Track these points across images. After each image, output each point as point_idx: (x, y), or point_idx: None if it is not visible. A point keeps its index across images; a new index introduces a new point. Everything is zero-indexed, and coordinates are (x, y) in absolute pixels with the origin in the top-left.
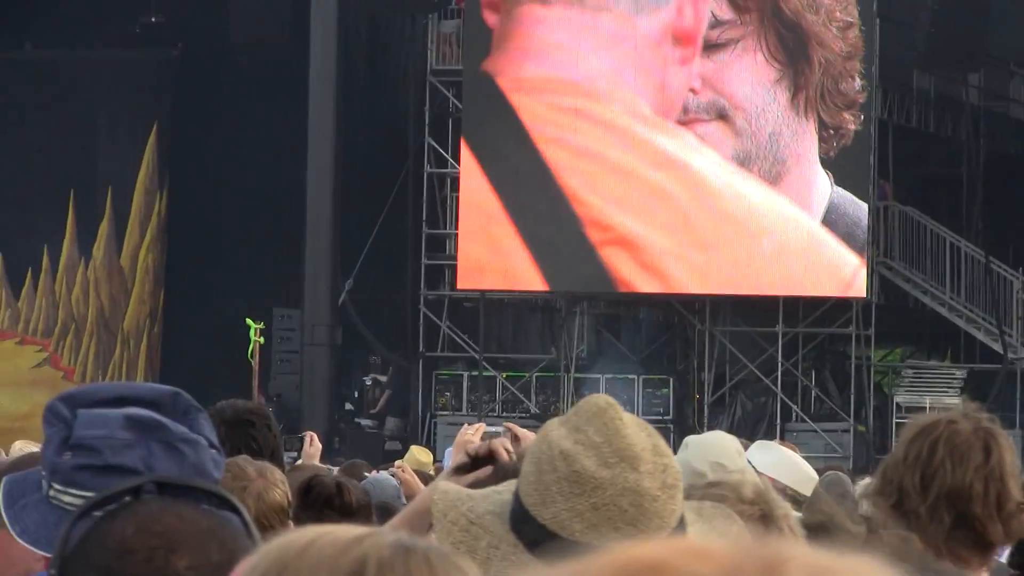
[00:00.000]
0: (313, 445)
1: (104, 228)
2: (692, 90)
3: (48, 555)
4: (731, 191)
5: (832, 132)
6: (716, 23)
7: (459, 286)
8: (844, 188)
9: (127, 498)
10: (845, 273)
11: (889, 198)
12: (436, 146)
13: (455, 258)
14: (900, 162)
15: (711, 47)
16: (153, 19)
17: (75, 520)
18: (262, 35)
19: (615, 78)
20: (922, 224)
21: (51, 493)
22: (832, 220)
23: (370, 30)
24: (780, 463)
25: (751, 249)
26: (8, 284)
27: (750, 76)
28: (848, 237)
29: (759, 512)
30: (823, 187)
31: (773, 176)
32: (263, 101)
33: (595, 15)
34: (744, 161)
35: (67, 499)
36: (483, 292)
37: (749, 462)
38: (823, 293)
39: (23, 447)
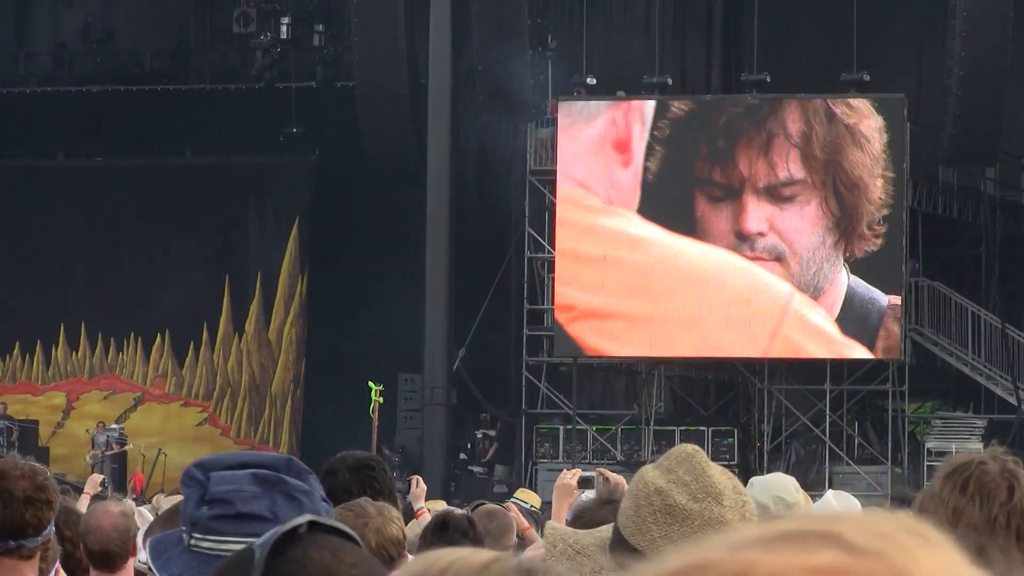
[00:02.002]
0: (419, 487)
1: (254, 307)
2: (760, 233)
3: None
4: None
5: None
6: (790, 180)
7: (555, 354)
8: (879, 268)
9: (300, 529)
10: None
11: (919, 275)
12: (535, 234)
13: (552, 330)
14: (928, 244)
15: (783, 199)
16: (294, 129)
17: (263, 547)
18: (387, 142)
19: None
20: (948, 296)
21: (191, 542)
22: (847, 313)
23: (478, 136)
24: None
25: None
26: (174, 355)
27: (808, 226)
28: (862, 322)
29: None
30: (841, 286)
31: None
32: (388, 198)
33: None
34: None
35: (206, 544)
36: (575, 358)
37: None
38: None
39: (165, 501)
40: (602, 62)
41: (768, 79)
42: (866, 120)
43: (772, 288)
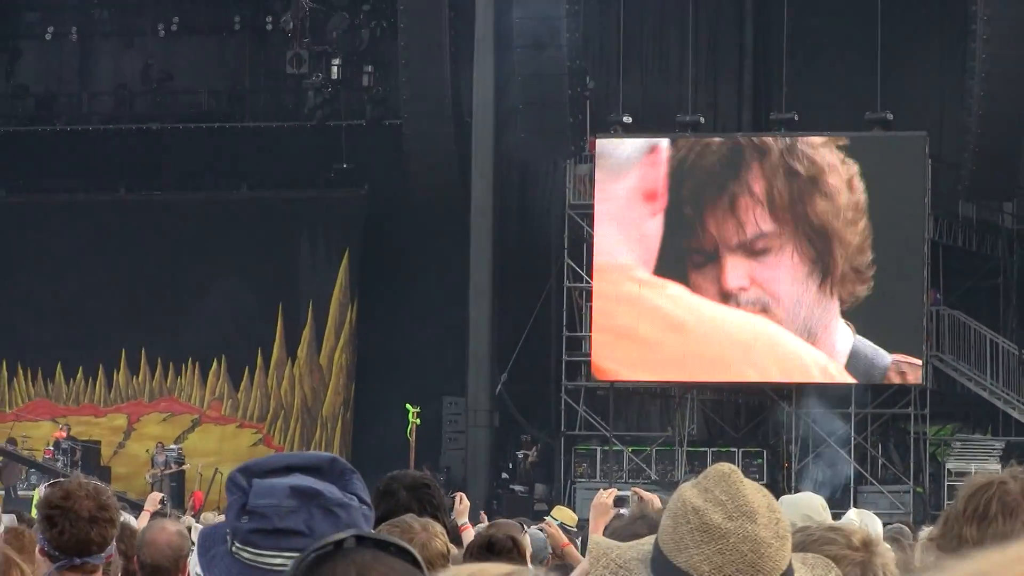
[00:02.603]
0: (463, 503)
1: (306, 334)
2: (742, 288)
3: None
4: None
5: (850, 297)
6: (760, 234)
7: (592, 378)
8: (903, 301)
9: (331, 547)
10: None
11: (940, 304)
12: (573, 265)
13: (590, 355)
14: (948, 275)
15: (757, 252)
16: (345, 165)
17: (297, 565)
18: (432, 178)
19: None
20: (967, 325)
21: (233, 549)
22: (853, 364)
23: (520, 172)
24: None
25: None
26: (230, 379)
27: (788, 275)
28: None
29: (860, 558)
30: (844, 340)
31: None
32: (433, 230)
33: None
34: None
35: (245, 555)
36: (612, 382)
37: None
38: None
39: (213, 518)
40: (637, 102)
41: (796, 118)
42: (834, 171)
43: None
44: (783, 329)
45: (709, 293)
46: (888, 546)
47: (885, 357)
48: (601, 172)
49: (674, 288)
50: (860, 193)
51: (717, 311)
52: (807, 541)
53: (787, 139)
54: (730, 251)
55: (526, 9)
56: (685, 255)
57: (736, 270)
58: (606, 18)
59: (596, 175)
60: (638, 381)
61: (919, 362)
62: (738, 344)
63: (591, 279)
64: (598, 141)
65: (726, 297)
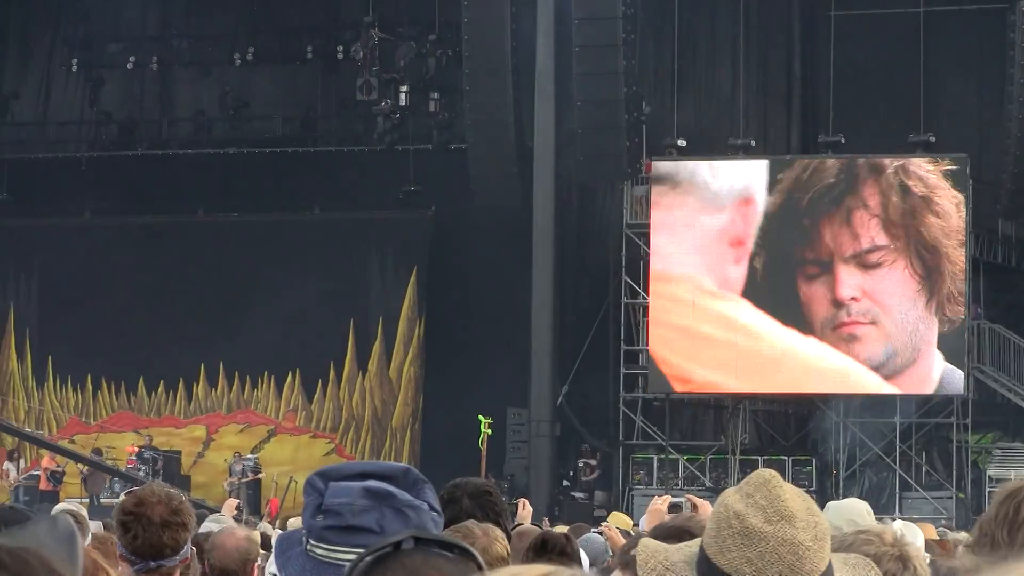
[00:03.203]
0: (525, 509)
1: (376, 348)
2: (854, 299)
3: None
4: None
5: (948, 319)
6: (874, 247)
7: (649, 390)
8: (946, 313)
9: (390, 549)
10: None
11: (981, 318)
12: (631, 282)
13: (647, 369)
14: (989, 290)
15: (870, 265)
16: (412, 187)
17: (353, 567)
18: (496, 199)
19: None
20: (1007, 338)
21: (308, 547)
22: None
23: (579, 193)
24: (908, 533)
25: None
26: (304, 392)
27: (898, 289)
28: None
29: (896, 552)
30: (938, 365)
31: (908, 363)
32: (497, 249)
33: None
34: (891, 355)
35: (319, 552)
36: (668, 394)
37: None
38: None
39: (296, 522)
40: (691, 126)
41: (843, 140)
42: (942, 191)
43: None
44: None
45: (821, 304)
46: (919, 546)
47: (959, 378)
48: (657, 192)
49: (743, 305)
50: (963, 219)
51: (783, 334)
52: (842, 546)
53: (900, 160)
54: (844, 261)
55: (585, 38)
56: (796, 266)
57: (849, 280)
58: (661, 47)
59: (652, 195)
60: (693, 392)
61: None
62: (789, 362)
63: (647, 295)
64: (654, 163)
65: (838, 306)
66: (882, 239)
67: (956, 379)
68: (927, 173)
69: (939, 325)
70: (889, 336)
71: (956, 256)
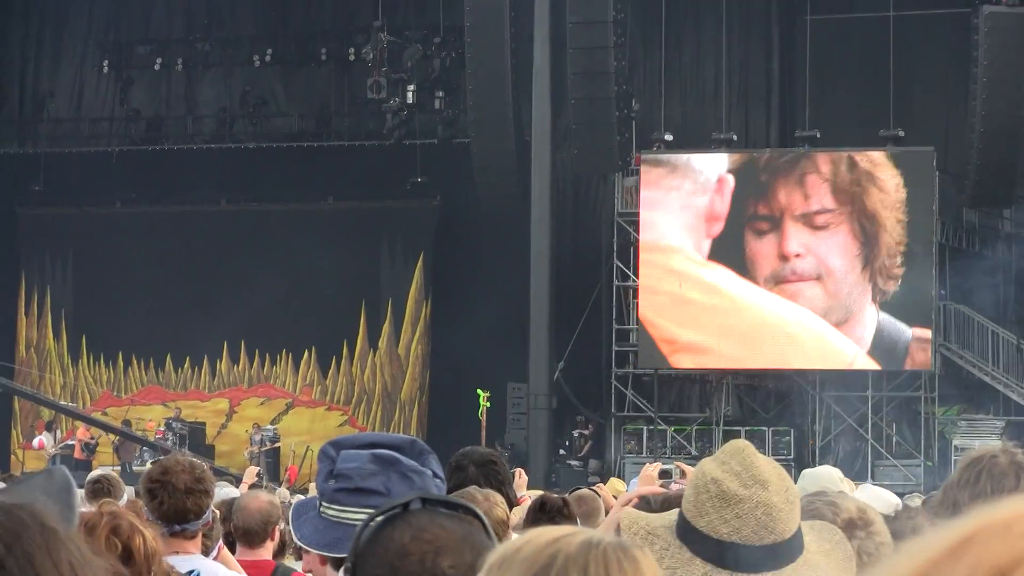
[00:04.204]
0: (522, 478)
1: (386, 327)
2: (798, 255)
3: (318, 551)
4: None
5: (881, 291)
6: (823, 210)
7: (639, 365)
8: (914, 297)
9: (399, 510)
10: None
11: (947, 299)
12: (622, 266)
13: (637, 346)
14: (955, 274)
15: (817, 227)
16: (419, 179)
17: (364, 527)
18: (497, 190)
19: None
20: (971, 317)
21: (321, 509)
22: (878, 341)
23: (573, 184)
24: (871, 496)
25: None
26: (320, 368)
27: (840, 250)
28: (890, 352)
29: (857, 516)
30: (872, 321)
31: (842, 321)
32: (498, 236)
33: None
34: (826, 312)
35: (331, 512)
36: (656, 369)
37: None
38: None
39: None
40: (678, 122)
41: (818, 135)
42: (886, 170)
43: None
44: (815, 316)
45: (768, 259)
46: (879, 523)
47: (906, 331)
48: (646, 183)
49: (720, 271)
50: (903, 197)
51: (757, 294)
52: (806, 508)
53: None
54: (793, 220)
55: (578, 41)
56: (747, 222)
57: (796, 238)
58: (649, 49)
59: (641, 186)
60: (680, 368)
61: (929, 333)
62: (771, 333)
63: (637, 278)
64: (643, 156)
65: (784, 260)
66: (830, 203)
67: (894, 331)
68: (874, 154)
69: (871, 292)
70: (828, 292)
71: (894, 229)
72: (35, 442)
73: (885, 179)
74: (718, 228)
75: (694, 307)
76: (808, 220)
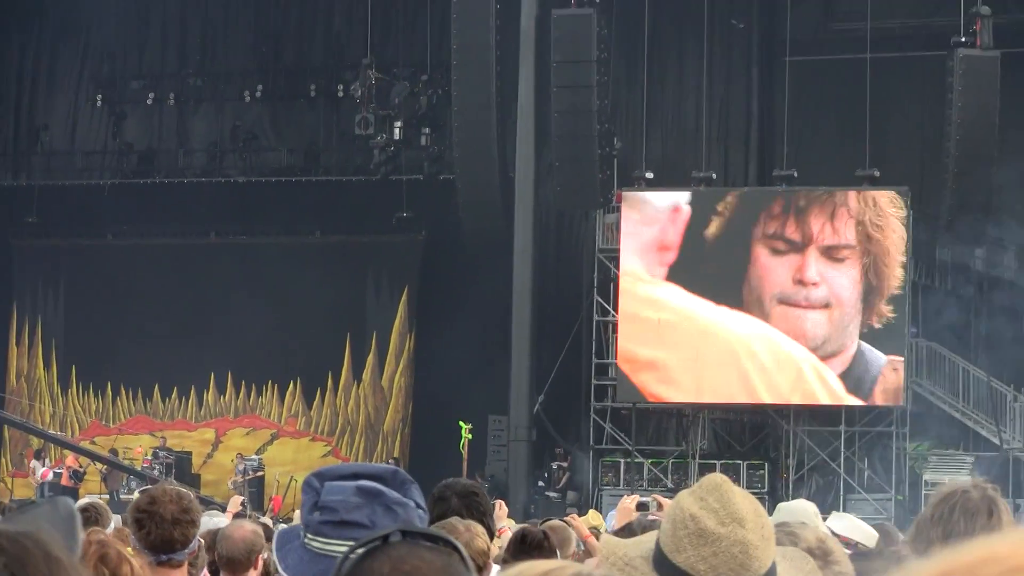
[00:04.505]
0: (502, 509)
1: (370, 360)
2: (814, 283)
3: None
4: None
5: (868, 325)
6: (845, 244)
7: (618, 399)
8: (888, 332)
9: (379, 542)
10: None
11: (919, 336)
12: (602, 302)
13: (615, 380)
14: (927, 311)
15: (835, 259)
16: (405, 214)
17: (344, 559)
18: (481, 225)
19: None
20: (943, 355)
21: (306, 540)
22: (854, 366)
23: (556, 220)
24: (851, 526)
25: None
26: (304, 399)
27: (850, 284)
28: (861, 380)
29: (819, 547)
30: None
31: (834, 353)
32: (481, 270)
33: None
34: (824, 341)
35: (316, 544)
36: (634, 403)
37: (827, 526)
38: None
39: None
40: (658, 159)
41: (795, 174)
42: (896, 212)
43: (793, 351)
44: (800, 346)
45: (781, 278)
46: (838, 553)
47: (881, 358)
48: (627, 220)
49: (692, 301)
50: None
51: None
52: None
53: (849, 192)
54: (817, 249)
55: (562, 80)
56: (760, 239)
57: (816, 266)
58: (632, 88)
59: (622, 223)
60: (657, 402)
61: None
62: (746, 366)
63: (616, 313)
64: (624, 194)
65: (800, 284)
66: (852, 238)
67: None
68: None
69: (860, 329)
70: (832, 322)
71: (896, 273)
72: (39, 472)
73: (893, 222)
74: (670, 260)
75: (674, 332)
76: (830, 252)
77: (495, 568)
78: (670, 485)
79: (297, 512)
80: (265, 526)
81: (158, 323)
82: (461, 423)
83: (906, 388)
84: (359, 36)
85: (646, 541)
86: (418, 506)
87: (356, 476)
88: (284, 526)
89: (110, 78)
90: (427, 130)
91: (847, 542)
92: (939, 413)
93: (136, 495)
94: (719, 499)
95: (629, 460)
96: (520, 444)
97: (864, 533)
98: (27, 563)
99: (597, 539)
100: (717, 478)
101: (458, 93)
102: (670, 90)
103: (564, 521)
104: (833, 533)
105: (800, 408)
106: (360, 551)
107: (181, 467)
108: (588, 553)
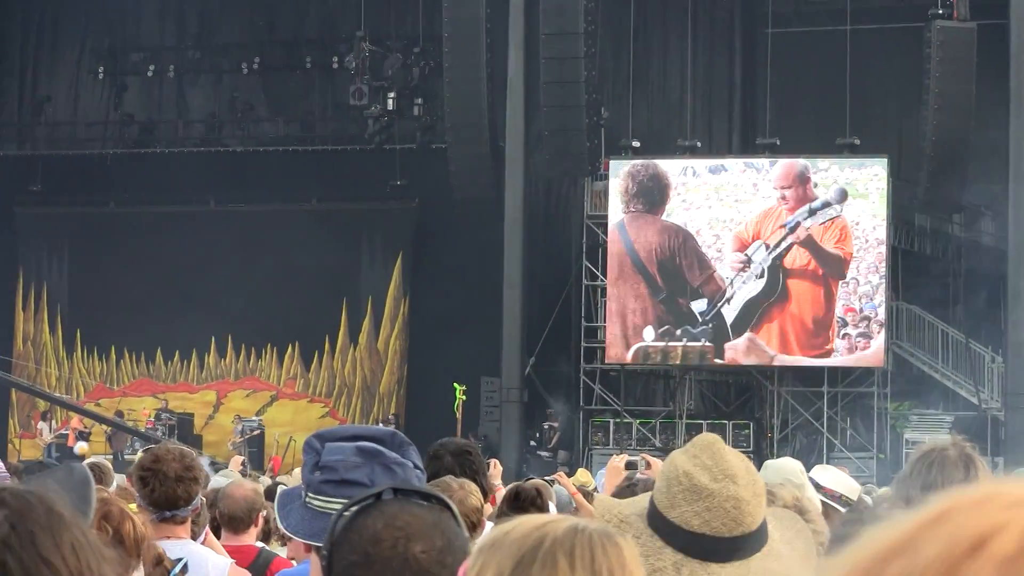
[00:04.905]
0: (496, 468)
1: (366, 323)
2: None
3: (304, 541)
4: None
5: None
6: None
7: (607, 360)
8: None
9: (372, 500)
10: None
11: (899, 299)
12: (591, 266)
13: (604, 342)
14: (907, 275)
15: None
16: (399, 182)
17: (338, 516)
18: (472, 192)
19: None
20: (922, 317)
21: (306, 500)
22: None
23: (545, 188)
24: (835, 479)
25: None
26: (303, 362)
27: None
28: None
29: (795, 505)
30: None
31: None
32: (473, 236)
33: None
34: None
35: (316, 503)
36: (623, 364)
37: (812, 478)
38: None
39: (297, 474)
40: (644, 129)
41: (778, 143)
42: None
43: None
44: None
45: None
46: (814, 512)
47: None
48: (613, 187)
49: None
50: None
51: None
52: None
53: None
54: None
55: (551, 51)
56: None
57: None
58: (618, 59)
59: (609, 189)
60: (645, 364)
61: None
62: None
63: (606, 278)
64: (611, 162)
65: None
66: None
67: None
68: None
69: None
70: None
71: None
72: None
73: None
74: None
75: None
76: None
77: (488, 525)
78: (658, 444)
79: (296, 471)
80: (267, 487)
81: (160, 288)
82: (455, 385)
83: (887, 350)
84: (353, 9)
85: (640, 500)
86: (416, 466)
87: (356, 438)
88: (282, 483)
89: (111, 51)
90: (419, 101)
91: (831, 493)
92: (919, 374)
93: (140, 455)
94: (712, 456)
95: (618, 420)
96: (512, 405)
97: (847, 485)
98: (27, 515)
99: (586, 497)
100: (709, 437)
101: (449, 65)
102: (655, 62)
103: (551, 479)
104: (817, 485)
105: (784, 369)
106: (354, 508)
107: (183, 428)
108: (577, 511)
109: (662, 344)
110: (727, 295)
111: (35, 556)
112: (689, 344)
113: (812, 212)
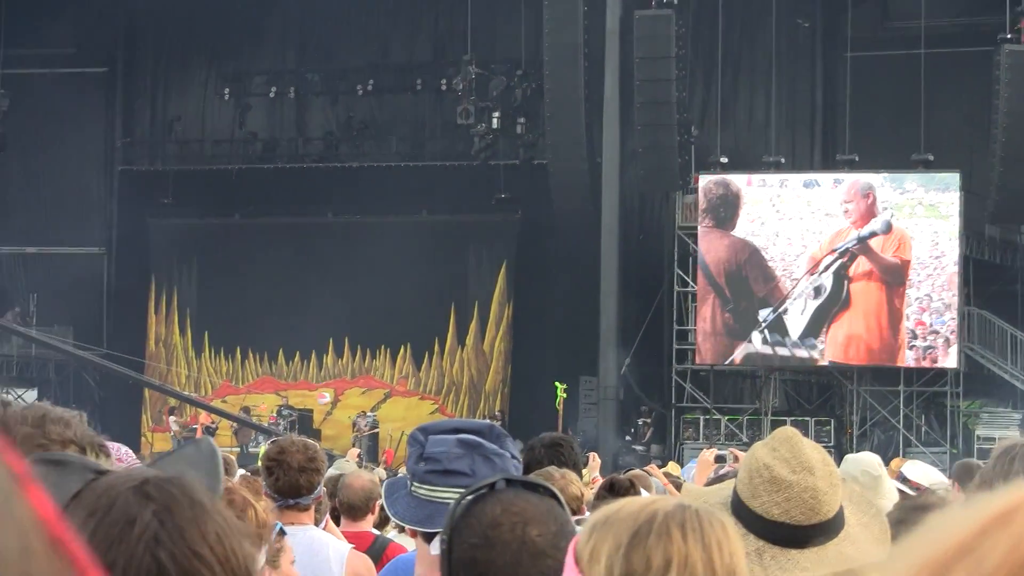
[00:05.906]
0: (595, 461)
1: (473, 326)
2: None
3: (413, 527)
4: None
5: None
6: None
7: (697, 362)
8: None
9: (487, 489)
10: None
11: (971, 304)
12: (682, 274)
13: (695, 344)
14: (977, 283)
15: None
16: (503, 196)
17: (456, 504)
18: (571, 205)
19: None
20: (992, 322)
21: (412, 489)
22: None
23: (640, 201)
24: (923, 472)
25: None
26: (414, 362)
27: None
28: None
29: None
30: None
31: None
32: (572, 246)
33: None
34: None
35: (422, 492)
36: (712, 365)
37: (902, 472)
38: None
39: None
40: (732, 146)
41: (856, 159)
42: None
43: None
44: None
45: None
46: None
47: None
48: (704, 200)
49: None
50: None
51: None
52: None
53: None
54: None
55: (644, 74)
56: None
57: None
58: (708, 81)
59: (699, 202)
60: (733, 364)
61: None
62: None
63: (696, 284)
64: (700, 176)
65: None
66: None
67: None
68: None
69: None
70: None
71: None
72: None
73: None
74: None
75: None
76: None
77: (587, 513)
78: (745, 439)
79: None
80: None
81: (281, 293)
82: (557, 383)
83: (960, 352)
84: (460, 36)
85: (723, 489)
86: (513, 456)
87: (457, 431)
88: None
89: (236, 74)
90: (522, 120)
91: (917, 487)
92: (989, 374)
93: (265, 447)
94: (790, 449)
95: (707, 417)
96: (609, 403)
97: (933, 479)
98: (174, 510)
99: (675, 487)
100: (788, 430)
101: (550, 87)
102: (742, 83)
103: (645, 471)
104: (906, 478)
105: (863, 369)
106: (470, 497)
107: (303, 423)
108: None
109: (768, 350)
110: (792, 303)
111: (186, 550)
112: (795, 352)
113: (860, 240)
